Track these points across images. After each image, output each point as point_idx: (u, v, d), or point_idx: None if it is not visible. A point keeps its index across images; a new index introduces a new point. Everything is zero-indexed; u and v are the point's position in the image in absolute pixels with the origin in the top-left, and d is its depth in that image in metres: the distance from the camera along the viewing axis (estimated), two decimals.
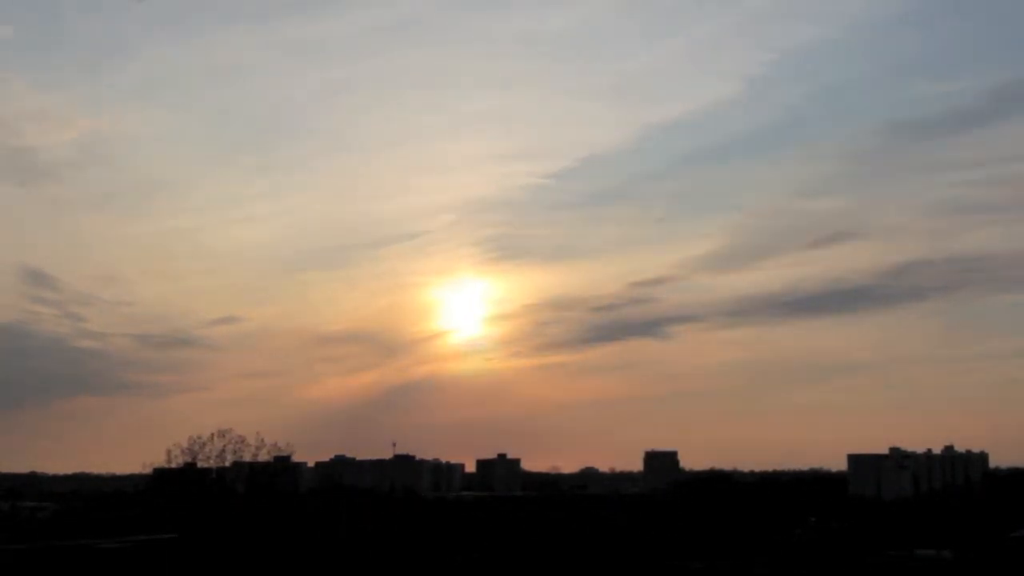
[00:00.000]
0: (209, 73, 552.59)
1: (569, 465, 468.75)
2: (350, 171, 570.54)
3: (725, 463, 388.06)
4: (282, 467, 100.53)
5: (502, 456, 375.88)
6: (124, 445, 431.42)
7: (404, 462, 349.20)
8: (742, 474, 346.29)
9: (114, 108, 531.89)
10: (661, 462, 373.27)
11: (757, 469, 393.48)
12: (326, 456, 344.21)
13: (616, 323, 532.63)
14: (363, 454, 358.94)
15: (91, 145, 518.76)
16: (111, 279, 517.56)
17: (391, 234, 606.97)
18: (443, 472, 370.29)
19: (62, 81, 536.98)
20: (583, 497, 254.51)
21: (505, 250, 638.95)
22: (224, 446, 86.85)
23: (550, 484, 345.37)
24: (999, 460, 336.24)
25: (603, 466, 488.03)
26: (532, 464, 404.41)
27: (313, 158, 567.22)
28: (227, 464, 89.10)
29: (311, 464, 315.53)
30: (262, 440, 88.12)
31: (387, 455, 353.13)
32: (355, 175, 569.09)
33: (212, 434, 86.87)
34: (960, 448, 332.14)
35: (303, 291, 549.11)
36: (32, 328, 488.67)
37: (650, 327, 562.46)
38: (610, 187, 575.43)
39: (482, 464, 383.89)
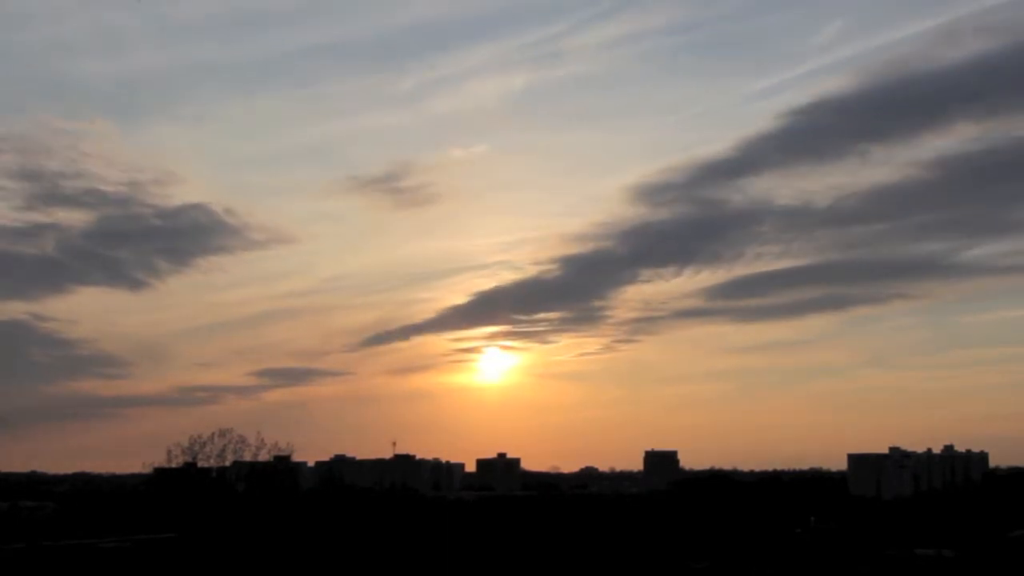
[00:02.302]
0: None
1: (569, 465, 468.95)
2: None
3: (725, 463, 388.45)
4: (282, 467, 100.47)
5: (502, 456, 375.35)
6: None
7: (404, 462, 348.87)
8: (742, 474, 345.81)
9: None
10: (661, 462, 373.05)
11: (757, 469, 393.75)
12: (326, 456, 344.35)
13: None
14: (363, 454, 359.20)
15: None
16: None
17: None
18: (443, 472, 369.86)
19: None
20: (583, 497, 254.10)
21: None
22: (224, 445, 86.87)
23: (550, 484, 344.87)
24: (999, 460, 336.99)
25: (603, 466, 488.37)
26: (532, 464, 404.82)
27: None
28: (227, 463, 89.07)
29: (311, 464, 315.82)
30: (262, 440, 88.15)
31: (387, 455, 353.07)
32: None
33: (212, 433, 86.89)
34: (960, 448, 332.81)
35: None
36: None
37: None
38: None
39: (482, 464, 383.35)
